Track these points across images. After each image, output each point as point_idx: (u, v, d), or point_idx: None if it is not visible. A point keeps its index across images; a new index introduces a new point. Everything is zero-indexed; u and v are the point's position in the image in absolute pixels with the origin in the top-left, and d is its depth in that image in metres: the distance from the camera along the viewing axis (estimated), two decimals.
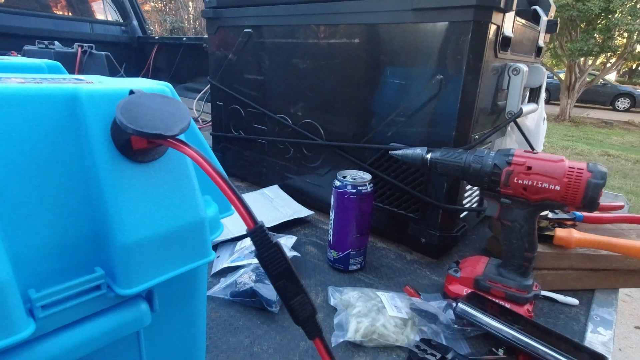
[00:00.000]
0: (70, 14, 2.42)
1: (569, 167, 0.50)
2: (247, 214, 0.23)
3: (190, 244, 0.28)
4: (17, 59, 0.43)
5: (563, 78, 9.10)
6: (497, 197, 0.56)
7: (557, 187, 0.50)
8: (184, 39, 2.19)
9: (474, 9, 0.58)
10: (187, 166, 0.28)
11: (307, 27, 0.78)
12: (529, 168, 0.52)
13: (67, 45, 1.45)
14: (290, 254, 0.67)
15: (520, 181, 0.52)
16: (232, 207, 0.38)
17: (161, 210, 0.26)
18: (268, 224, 0.77)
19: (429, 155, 0.61)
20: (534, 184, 0.51)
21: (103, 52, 1.22)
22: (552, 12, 0.93)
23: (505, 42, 0.66)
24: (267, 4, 0.84)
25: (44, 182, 0.23)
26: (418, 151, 0.62)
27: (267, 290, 0.56)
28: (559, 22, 0.91)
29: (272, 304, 0.56)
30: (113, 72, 1.25)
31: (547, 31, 0.90)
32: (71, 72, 1.13)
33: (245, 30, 0.90)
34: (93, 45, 1.20)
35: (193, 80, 2.24)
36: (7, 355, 0.21)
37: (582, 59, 8.55)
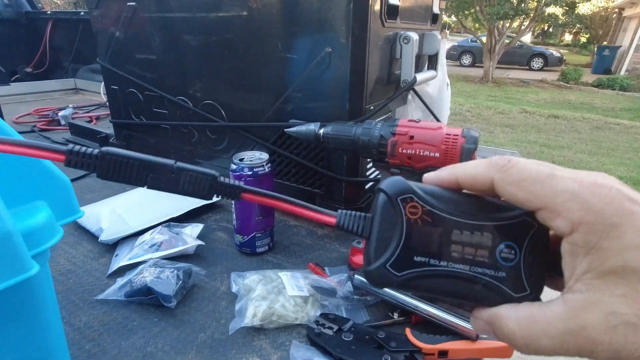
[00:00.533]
0: None
1: (446, 134, 0.52)
2: None
3: None
4: None
5: (485, 41, 9.63)
6: (387, 168, 0.57)
7: (437, 154, 0.52)
8: (82, 13, 1.96)
9: None
10: None
11: None
12: (412, 137, 0.53)
13: None
14: (194, 243, 0.65)
15: (404, 150, 0.54)
16: (79, 210, 0.34)
17: None
18: (173, 214, 0.73)
19: (321, 131, 0.60)
20: (417, 153, 0.53)
21: None
22: None
23: (391, 11, 0.66)
24: None
25: None
26: (312, 127, 0.61)
27: (164, 286, 0.54)
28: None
29: (169, 300, 0.54)
30: None
31: None
32: None
33: (128, 3, 0.81)
34: None
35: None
36: None
37: (500, 23, 9.08)
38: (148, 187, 0.22)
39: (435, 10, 0.89)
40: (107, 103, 1.65)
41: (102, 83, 1.73)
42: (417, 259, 0.22)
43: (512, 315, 0.20)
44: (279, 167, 0.76)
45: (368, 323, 0.53)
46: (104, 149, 0.21)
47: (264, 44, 0.68)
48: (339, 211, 0.24)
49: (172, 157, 0.23)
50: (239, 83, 0.74)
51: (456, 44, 13.72)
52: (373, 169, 0.75)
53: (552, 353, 0.18)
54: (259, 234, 0.65)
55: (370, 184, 0.76)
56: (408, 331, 0.48)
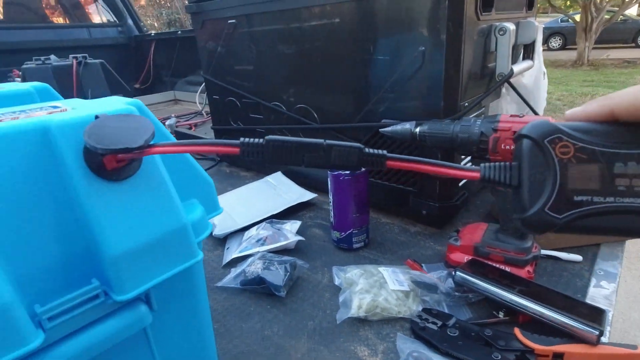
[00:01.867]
0: (67, 21, 2.45)
1: None
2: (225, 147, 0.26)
3: (175, 248, 0.30)
4: (5, 88, 0.46)
5: (578, 20, 8.62)
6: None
7: None
8: (179, 32, 2.19)
9: None
10: (163, 178, 0.30)
11: (287, 11, 0.78)
12: (515, 133, 0.52)
13: (68, 53, 1.49)
14: (295, 238, 0.70)
15: (507, 146, 0.52)
16: (219, 206, 0.40)
17: (142, 221, 0.28)
18: (273, 211, 0.80)
19: (417, 129, 0.61)
20: None
21: (97, 60, 1.25)
22: None
23: (487, 3, 0.64)
24: None
25: (32, 210, 0.26)
26: (407, 126, 0.62)
27: (274, 276, 0.59)
28: None
29: (279, 289, 0.59)
30: (110, 78, 1.28)
31: None
32: (70, 83, 1.17)
33: (229, 21, 0.90)
34: (87, 55, 1.22)
35: (194, 73, 2.25)
36: None
37: None
38: (305, 166, 0.26)
39: None
40: (205, 111, 1.84)
41: (197, 93, 1.92)
42: (578, 198, 0.21)
43: None
44: None
45: (471, 320, 0.52)
46: (268, 137, 0.25)
47: (356, 48, 0.71)
48: (482, 165, 0.24)
49: None
50: (330, 87, 0.78)
51: (543, 25, 12.46)
52: (469, 165, 0.74)
53: None
54: (356, 231, 0.68)
55: (464, 181, 0.75)
56: (517, 331, 0.47)
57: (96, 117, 0.26)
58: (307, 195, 0.86)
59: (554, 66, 8.77)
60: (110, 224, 0.27)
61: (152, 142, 0.26)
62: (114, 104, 0.31)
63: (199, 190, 0.38)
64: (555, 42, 11.92)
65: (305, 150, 0.25)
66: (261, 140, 0.25)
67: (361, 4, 0.67)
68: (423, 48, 0.62)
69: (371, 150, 0.26)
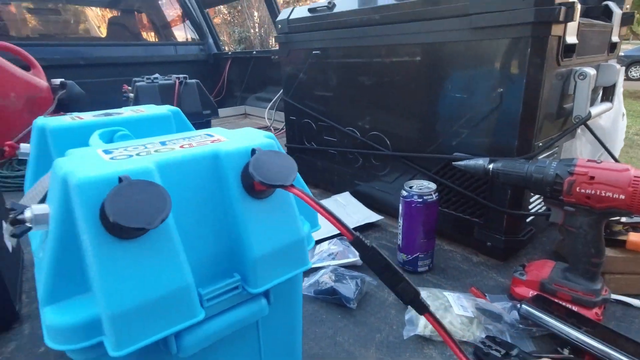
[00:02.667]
0: (157, 39, 2.75)
1: (634, 177, 0.51)
2: (346, 229, 0.32)
3: (294, 256, 0.37)
4: (148, 112, 0.56)
5: None
6: (561, 205, 0.58)
7: (622, 196, 0.52)
8: (254, 52, 2.37)
9: (531, 25, 0.61)
10: (291, 199, 0.37)
11: (371, 47, 0.85)
12: (592, 178, 0.54)
13: (157, 68, 1.70)
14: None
15: (583, 190, 0.55)
16: (318, 224, 0.47)
17: (276, 232, 0.36)
18: None
19: (491, 166, 0.65)
20: (598, 193, 0.54)
21: (194, 80, 1.41)
22: (628, 3, 0.89)
23: (568, 50, 0.67)
24: (333, 28, 0.93)
25: (203, 214, 0.34)
26: (480, 162, 0.66)
27: (346, 289, 0.65)
28: (636, 14, 0.87)
29: (350, 301, 0.65)
30: (202, 96, 1.44)
31: (622, 25, 0.87)
32: (171, 98, 1.34)
33: (314, 52, 1.00)
34: (187, 75, 1.39)
35: (263, 90, 2.42)
36: (190, 330, 0.32)
37: None
38: (378, 277, 0.33)
39: (615, 38, 0.85)
40: (273, 126, 1.97)
41: (267, 109, 2.07)
42: None
43: None
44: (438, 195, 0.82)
45: (535, 354, 0.55)
46: (373, 245, 0.32)
47: (434, 85, 0.76)
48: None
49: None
50: (404, 118, 0.84)
51: (622, 54, 11.63)
52: (535, 202, 0.76)
53: None
54: (422, 255, 0.72)
55: (532, 217, 0.76)
56: None
57: (253, 150, 0.34)
58: (373, 217, 0.91)
59: (632, 97, 8.12)
60: (254, 232, 0.34)
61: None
62: (255, 136, 0.39)
63: (304, 208, 0.45)
64: (636, 72, 11.06)
65: (387, 271, 0.32)
66: (369, 244, 0.32)
67: (444, 45, 0.72)
68: (501, 89, 0.66)
69: (422, 299, 0.33)
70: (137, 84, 1.27)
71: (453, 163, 0.72)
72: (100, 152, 0.34)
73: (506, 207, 0.71)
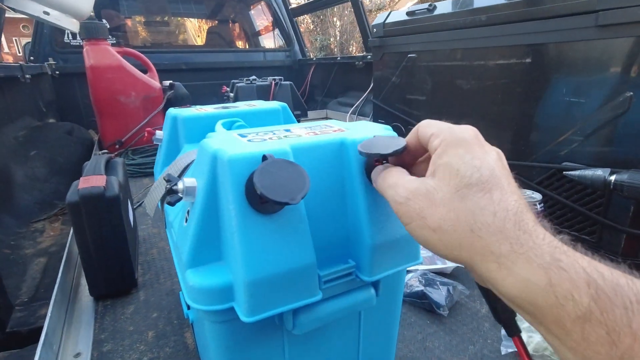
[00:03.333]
0: (247, 46, 2.95)
1: None
2: None
3: (407, 249, 0.37)
4: (260, 106, 0.61)
5: None
6: None
7: None
8: (338, 58, 2.43)
9: None
10: None
11: (474, 50, 0.82)
12: None
13: (248, 72, 1.83)
14: (452, 264, 0.73)
15: None
16: None
17: (392, 223, 0.36)
18: None
19: (612, 177, 0.58)
20: None
21: (288, 82, 1.49)
22: None
23: None
24: (432, 31, 0.91)
25: (325, 199, 0.36)
26: (599, 172, 0.60)
27: (437, 295, 0.63)
28: None
29: (440, 307, 0.63)
30: (294, 97, 1.52)
31: None
32: (267, 98, 1.43)
33: (409, 55, 0.99)
34: (282, 77, 1.47)
35: (344, 95, 2.46)
36: (308, 309, 0.34)
37: None
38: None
39: None
40: None
41: (348, 114, 2.09)
42: None
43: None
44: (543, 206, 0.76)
45: None
46: None
47: (544, 88, 0.71)
48: None
49: None
50: (506, 123, 0.79)
51: None
52: None
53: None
54: None
55: None
56: None
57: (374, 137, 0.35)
58: None
59: None
60: (373, 221, 0.35)
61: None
62: (375, 128, 0.40)
63: None
64: None
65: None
66: None
67: (560, 46, 0.67)
68: (630, 93, 0.60)
69: (516, 322, 0.31)
70: (237, 84, 1.38)
71: (565, 173, 0.66)
72: (236, 135, 0.38)
73: (627, 225, 0.64)
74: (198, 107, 0.63)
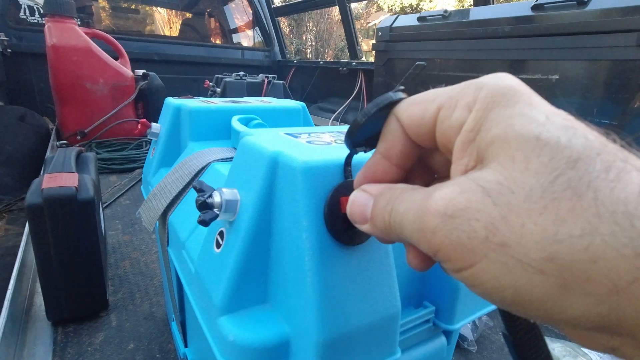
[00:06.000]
0: (223, 42, 2.81)
1: None
2: None
3: None
4: (277, 104, 0.52)
5: None
6: None
7: None
8: (321, 62, 2.36)
9: None
10: None
11: (493, 61, 0.78)
12: None
13: (225, 69, 1.71)
14: None
15: None
16: None
17: None
18: None
19: None
20: None
21: (281, 82, 1.40)
22: None
23: None
24: (446, 39, 0.86)
25: None
26: None
27: (464, 328, 0.57)
28: None
29: (467, 341, 0.56)
30: (286, 98, 1.43)
31: None
32: (258, 95, 1.33)
33: (417, 62, 0.94)
34: (275, 75, 1.38)
35: (325, 100, 2.39)
36: None
37: None
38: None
39: None
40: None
41: (330, 120, 2.03)
42: None
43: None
44: None
45: None
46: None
47: (572, 108, 0.68)
48: None
49: None
50: None
51: None
52: None
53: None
54: None
55: None
56: None
57: None
58: None
59: None
60: None
61: None
62: None
63: None
64: None
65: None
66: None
67: (594, 64, 0.64)
68: None
69: None
70: (226, 79, 1.27)
71: None
72: (285, 135, 0.29)
73: None
74: (202, 99, 0.53)
